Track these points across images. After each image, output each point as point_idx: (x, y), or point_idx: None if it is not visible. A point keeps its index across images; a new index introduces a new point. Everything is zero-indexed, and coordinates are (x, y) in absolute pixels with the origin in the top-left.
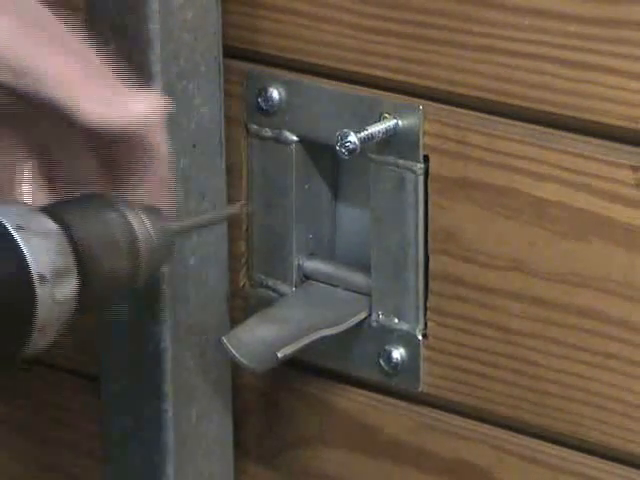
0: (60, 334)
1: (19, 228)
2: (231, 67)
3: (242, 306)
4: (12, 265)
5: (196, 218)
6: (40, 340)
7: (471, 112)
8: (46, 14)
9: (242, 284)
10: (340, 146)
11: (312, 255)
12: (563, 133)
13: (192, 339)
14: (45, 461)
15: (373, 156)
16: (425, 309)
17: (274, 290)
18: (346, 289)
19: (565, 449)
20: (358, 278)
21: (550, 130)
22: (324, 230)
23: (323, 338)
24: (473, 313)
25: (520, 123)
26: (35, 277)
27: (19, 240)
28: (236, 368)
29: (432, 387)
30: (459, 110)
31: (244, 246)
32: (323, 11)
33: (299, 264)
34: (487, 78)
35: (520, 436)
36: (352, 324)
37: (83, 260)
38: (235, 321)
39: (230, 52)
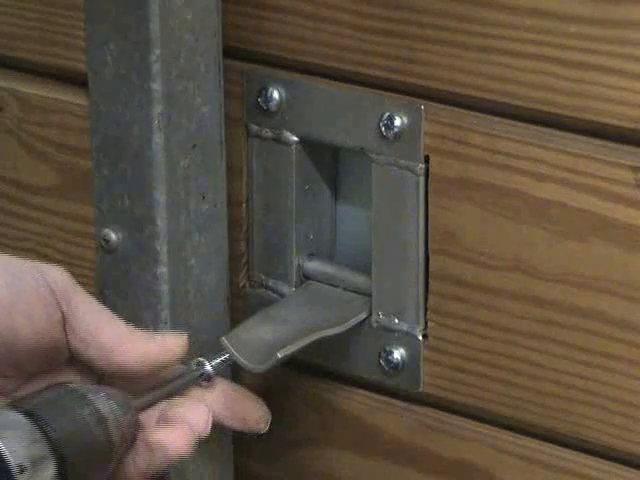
0: None
1: None
2: (231, 67)
3: (242, 306)
4: None
5: (155, 392)
6: None
7: (472, 112)
8: None
9: (242, 284)
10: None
11: (312, 255)
12: (563, 133)
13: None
14: None
15: (374, 156)
16: (425, 309)
17: (274, 290)
18: (346, 289)
19: (565, 450)
20: (358, 278)
21: (550, 130)
22: (324, 230)
23: (323, 338)
24: (473, 313)
25: (520, 123)
26: (14, 469)
27: None
28: (236, 368)
29: (432, 387)
30: (460, 110)
31: (244, 246)
32: (323, 11)
33: (299, 264)
34: (488, 78)
35: (520, 436)
36: (352, 324)
37: (56, 445)
38: (235, 321)
39: (230, 52)
